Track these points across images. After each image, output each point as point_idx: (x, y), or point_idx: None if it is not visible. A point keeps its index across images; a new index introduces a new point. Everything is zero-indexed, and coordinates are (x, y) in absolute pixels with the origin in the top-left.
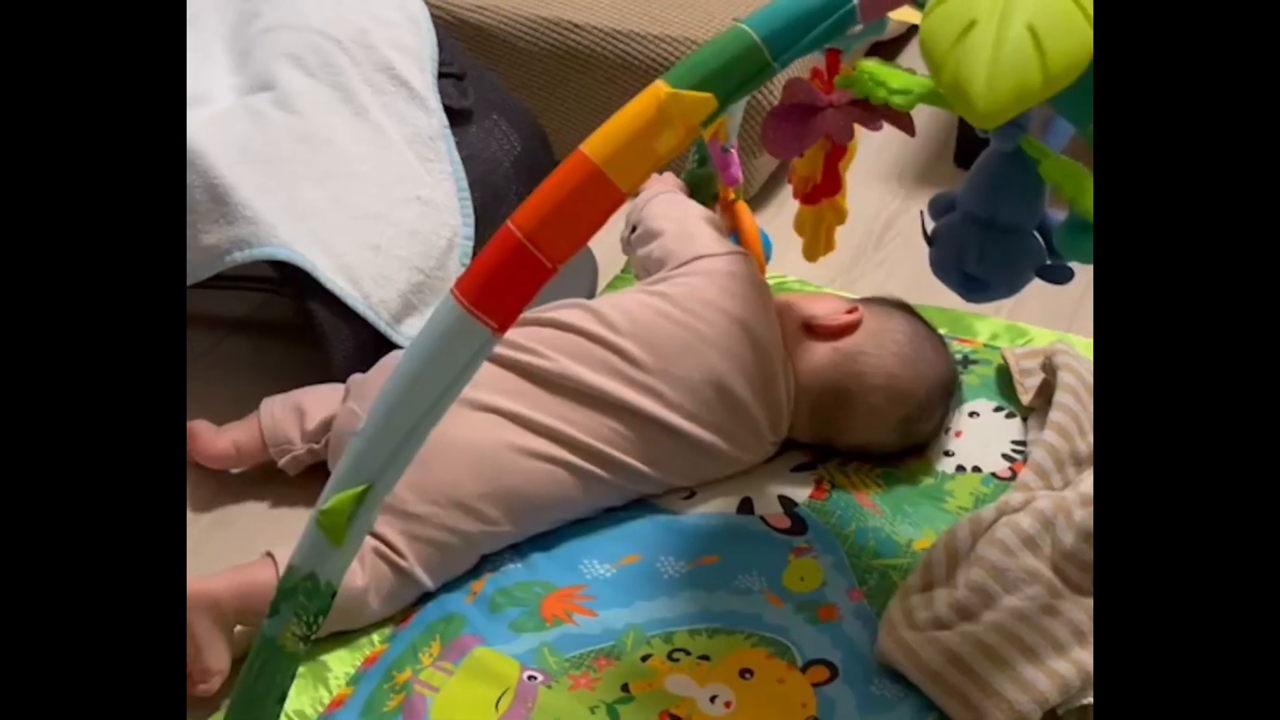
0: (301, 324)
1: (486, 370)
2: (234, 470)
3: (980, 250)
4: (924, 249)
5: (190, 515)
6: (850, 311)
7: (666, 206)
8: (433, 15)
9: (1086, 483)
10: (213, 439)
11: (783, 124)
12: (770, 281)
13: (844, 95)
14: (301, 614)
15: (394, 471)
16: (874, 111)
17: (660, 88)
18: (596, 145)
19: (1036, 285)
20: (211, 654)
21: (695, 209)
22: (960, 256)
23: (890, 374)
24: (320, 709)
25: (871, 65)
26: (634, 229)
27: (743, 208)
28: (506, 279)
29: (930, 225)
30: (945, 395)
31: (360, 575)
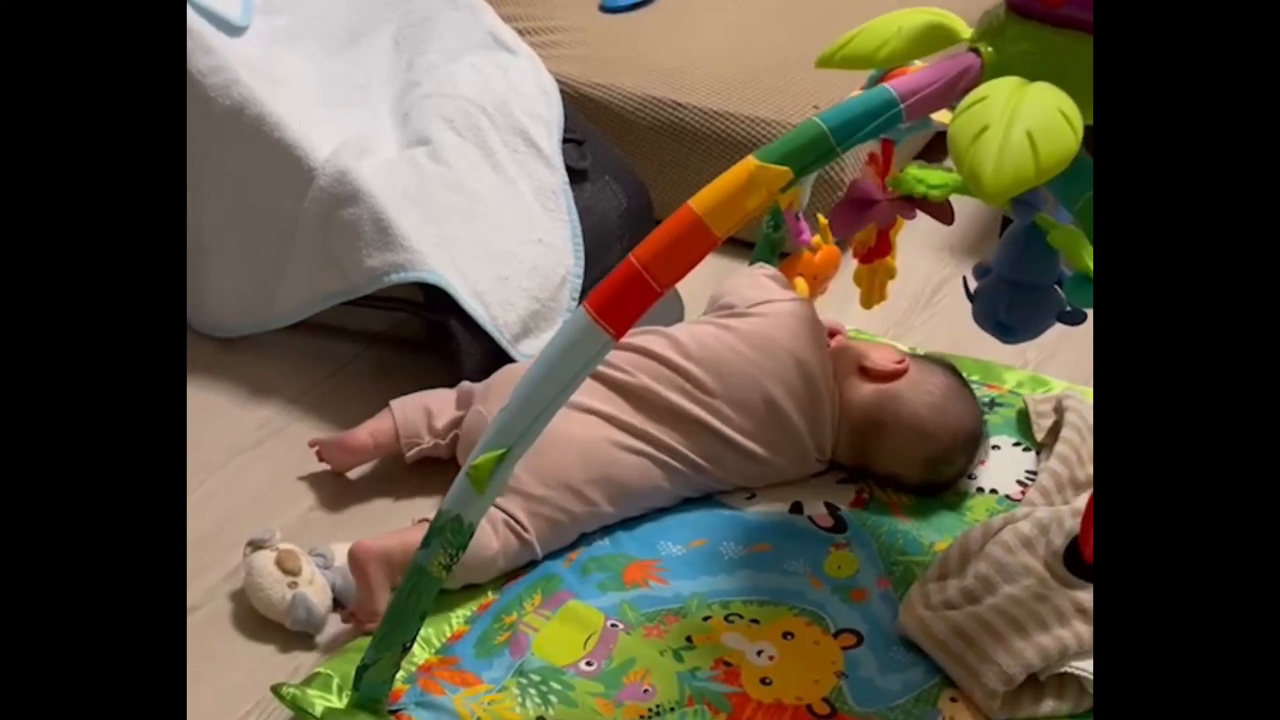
0: (432, 340)
1: (590, 384)
2: (351, 475)
3: (1009, 303)
4: (966, 309)
5: (321, 510)
6: (899, 362)
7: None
8: (560, 90)
9: (1080, 500)
10: (353, 433)
11: (846, 211)
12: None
13: (894, 194)
14: (447, 547)
15: (527, 440)
16: (916, 204)
17: (751, 161)
18: (700, 200)
19: (1067, 347)
20: (380, 599)
21: (766, 269)
22: (994, 309)
23: (919, 418)
24: (443, 640)
25: (915, 169)
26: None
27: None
28: (625, 297)
29: (973, 286)
30: (969, 445)
31: (495, 542)
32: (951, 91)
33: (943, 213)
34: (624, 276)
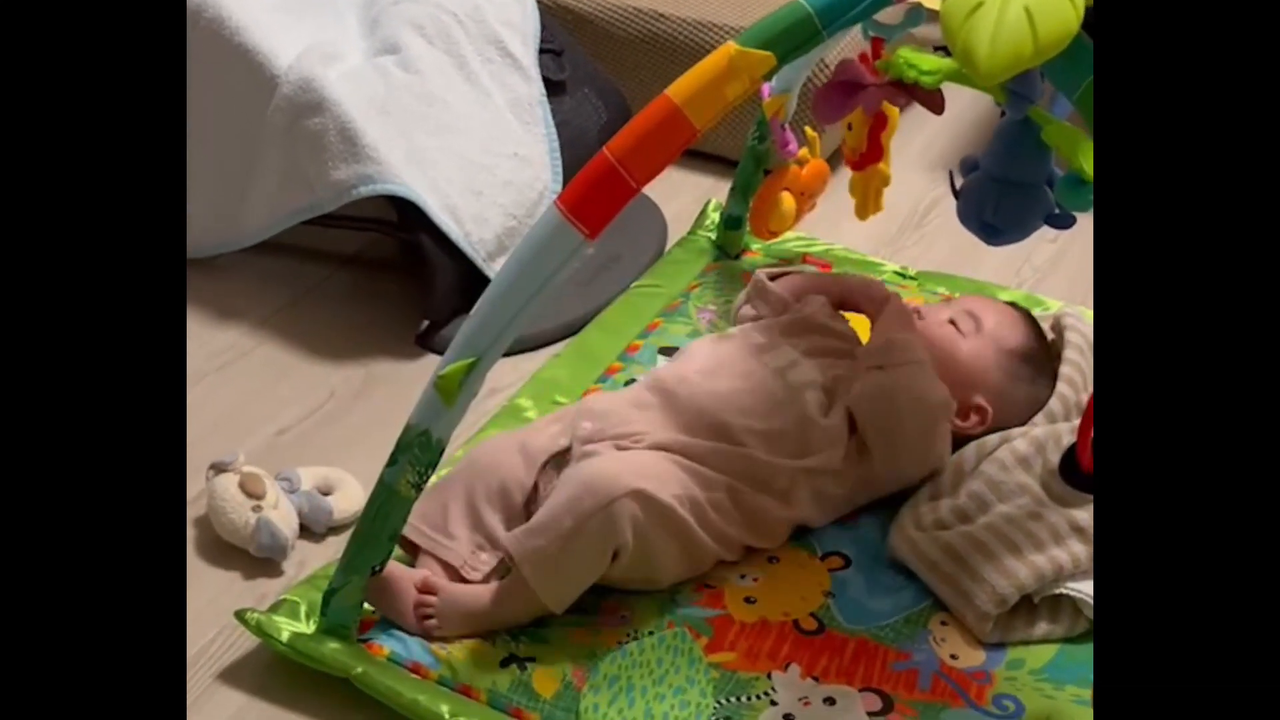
0: (405, 261)
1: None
2: (317, 400)
3: (996, 202)
4: (959, 228)
5: (289, 434)
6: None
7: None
8: (538, 2)
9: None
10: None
11: (831, 95)
12: (818, 249)
13: (884, 78)
14: (415, 464)
15: (498, 348)
16: (905, 91)
17: (731, 46)
18: (678, 89)
19: (1063, 265)
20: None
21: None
22: (980, 208)
23: None
24: None
25: (907, 51)
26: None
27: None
28: (599, 194)
29: (959, 182)
30: None
31: None
32: None
33: (933, 101)
34: (598, 172)
